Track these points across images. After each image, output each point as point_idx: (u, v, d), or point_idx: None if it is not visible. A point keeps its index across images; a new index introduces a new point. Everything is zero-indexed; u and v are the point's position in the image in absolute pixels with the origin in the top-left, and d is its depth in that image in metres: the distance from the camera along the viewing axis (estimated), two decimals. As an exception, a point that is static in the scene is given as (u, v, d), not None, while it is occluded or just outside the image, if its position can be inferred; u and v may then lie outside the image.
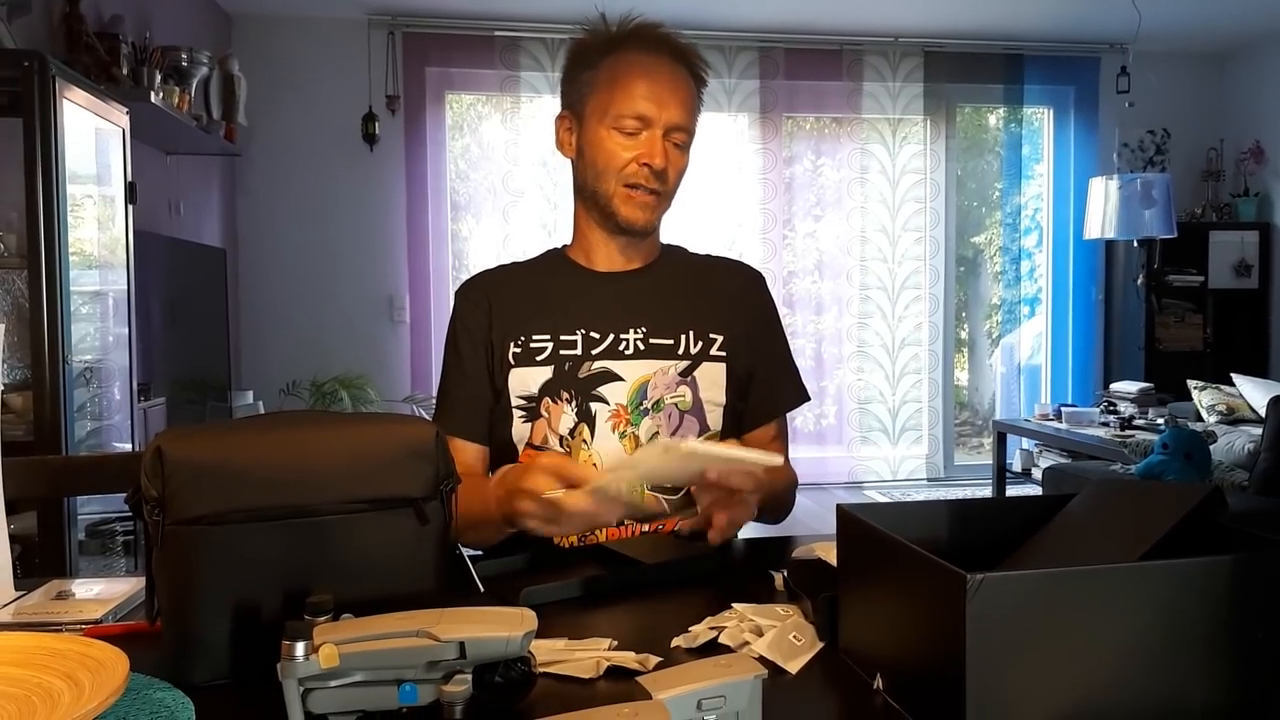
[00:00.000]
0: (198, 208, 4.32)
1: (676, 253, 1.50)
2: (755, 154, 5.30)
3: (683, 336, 1.39)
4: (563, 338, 1.37)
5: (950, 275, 5.58)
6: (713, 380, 1.38)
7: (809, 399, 1.51)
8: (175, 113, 3.32)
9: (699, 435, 1.37)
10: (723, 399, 1.39)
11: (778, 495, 1.36)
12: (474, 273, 1.50)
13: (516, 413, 1.37)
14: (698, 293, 1.44)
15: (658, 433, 1.36)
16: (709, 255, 1.53)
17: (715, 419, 1.39)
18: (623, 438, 1.35)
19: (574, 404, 1.35)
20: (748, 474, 1.11)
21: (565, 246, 1.49)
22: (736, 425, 1.44)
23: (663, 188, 1.36)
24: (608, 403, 1.35)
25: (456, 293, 1.46)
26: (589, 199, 1.39)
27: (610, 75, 1.35)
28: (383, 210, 4.96)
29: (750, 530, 1.41)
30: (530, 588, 1.02)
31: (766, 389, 1.46)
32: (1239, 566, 0.72)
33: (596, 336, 1.37)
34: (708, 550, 1.20)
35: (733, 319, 1.42)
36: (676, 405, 1.36)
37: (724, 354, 1.39)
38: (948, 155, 5.50)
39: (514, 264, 1.50)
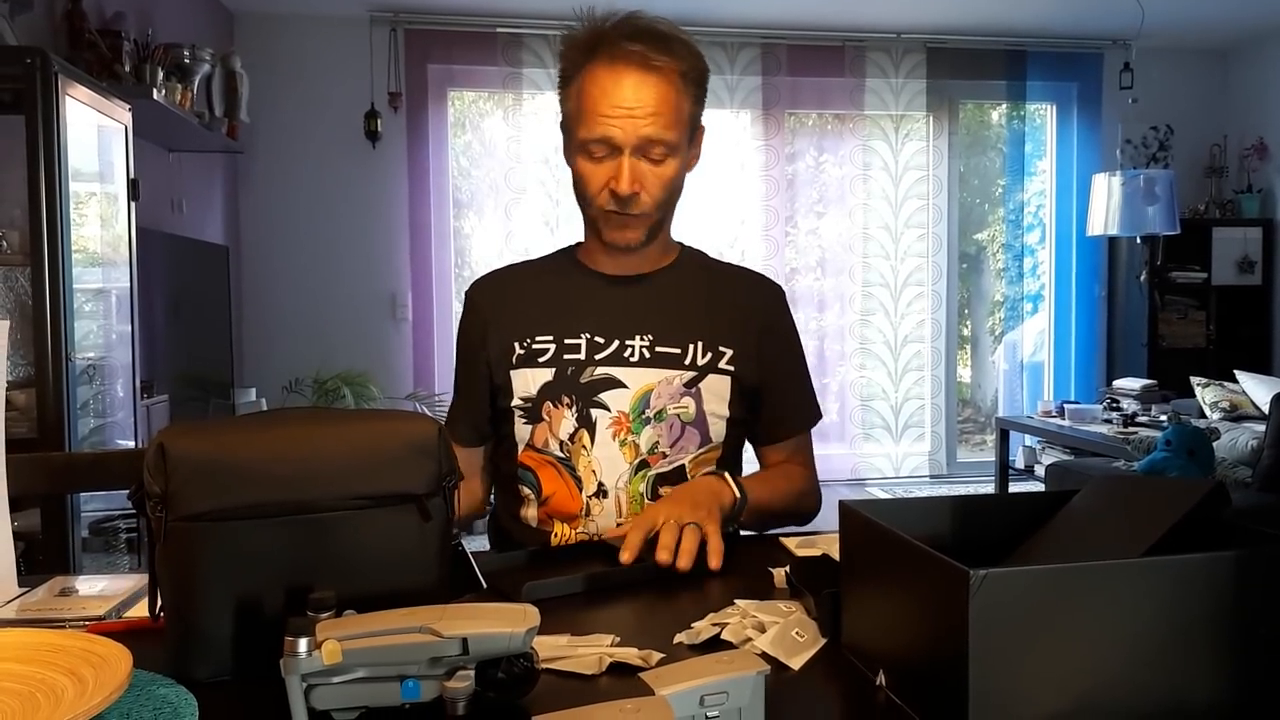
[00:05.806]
0: (200, 205, 4.32)
1: (696, 258, 1.46)
2: (757, 150, 5.30)
3: (691, 346, 1.35)
4: (566, 341, 1.35)
5: (953, 272, 5.57)
6: (718, 393, 1.35)
7: (820, 417, 1.48)
8: (178, 110, 3.32)
9: (699, 447, 1.34)
10: (727, 412, 1.36)
11: (773, 512, 1.36)
12: (484, 270, 1.51)
13: (517, 413, 1.36)
14: (712, 303, 1.40)
15: (657, 442, 1.33)
16: (731, 265, 1.50)
17: (718, 431, 1.36)
18: (623, 445, 1.32)
19: (574, 409, 1.33)
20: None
21: (579, 245, 1.46)
22: (742, 439, 1.42)
23: (641, 209, 1.31)
24: (609, 409, 1.33)
25: (465, 292, 1.48)
26: (583, 215, 1.38)
27: (578, 96, 1.30)
28: (385, 207, 4.96)
29: (751, 529, 1.41)
30: (533, 584, 1.02)
31: (777, 409, 1.43)
32: (1242, 562, 0.71)
33: (601, 341, 1.35)
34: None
35: (745, 332, 1.39)
36: (679, 416, 1.33)
37: (732, 368, 1.36)
38: (950, 151, 5.49)
39: (525, 262, 1.51)
